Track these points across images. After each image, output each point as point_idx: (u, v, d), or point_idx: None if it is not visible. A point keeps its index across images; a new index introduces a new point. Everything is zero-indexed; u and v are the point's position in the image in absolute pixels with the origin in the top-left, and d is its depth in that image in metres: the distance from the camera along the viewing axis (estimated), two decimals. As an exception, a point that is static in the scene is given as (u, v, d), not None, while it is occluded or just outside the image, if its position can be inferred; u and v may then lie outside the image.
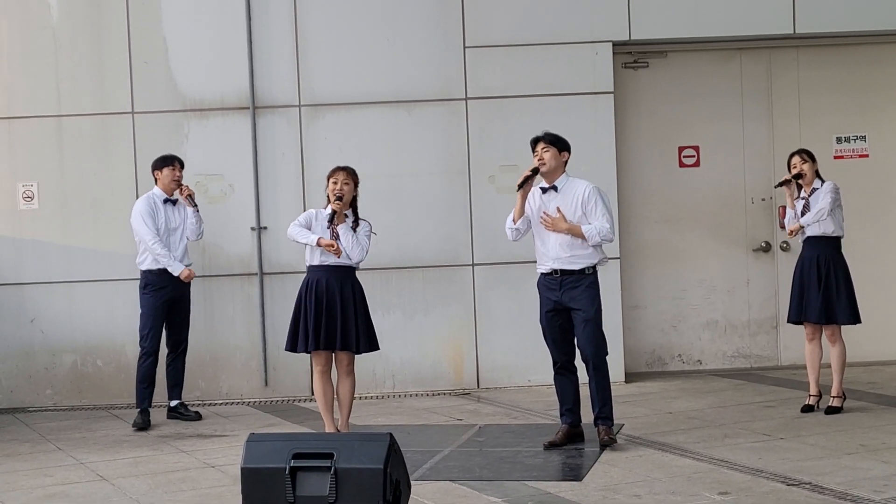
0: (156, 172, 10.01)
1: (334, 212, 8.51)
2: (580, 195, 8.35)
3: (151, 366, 9.94)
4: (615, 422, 8.51)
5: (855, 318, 9.34)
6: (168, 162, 9.97)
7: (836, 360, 9.31)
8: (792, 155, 9.50)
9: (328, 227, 8.53)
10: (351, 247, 8.51)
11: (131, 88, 10.94)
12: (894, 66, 11.63)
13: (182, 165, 10.06)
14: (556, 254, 8.34)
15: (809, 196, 9.33)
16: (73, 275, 10.95)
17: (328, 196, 8.62)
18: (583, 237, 8.26)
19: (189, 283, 10.01)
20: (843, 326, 9.34)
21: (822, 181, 9.37)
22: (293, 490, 5.91)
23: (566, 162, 8.47)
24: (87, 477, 8.13)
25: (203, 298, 10.77)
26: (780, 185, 9.43)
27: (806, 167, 9.36)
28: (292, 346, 8.66)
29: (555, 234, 8.33)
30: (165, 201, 9.96)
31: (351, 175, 8.64)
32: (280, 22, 10.94)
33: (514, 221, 8.43)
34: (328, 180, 8.64)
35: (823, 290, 9.24)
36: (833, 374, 9.32)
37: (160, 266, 9.83)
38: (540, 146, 8.40)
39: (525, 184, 8.33)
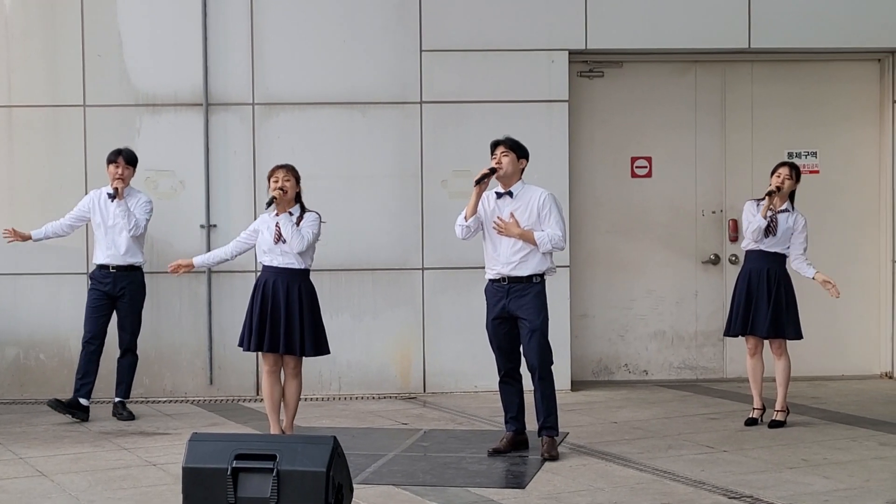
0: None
1: (273, 198, 8.51)
2: (535, 201, 8.34)
3: (84, 357, 9.89)
4: (560, 430, 8.51)
5: (800, 334, 9.41)
6: (111, 158, 9.90)
7: (781, 374, 9.35)
8: (782, 164, 9.41)
9: (267, 212, 8.59)
10: (291, 237, 8.49)
11: (84, 81, 10.85)
12: (846, 84, 11.73)
13: (129, 160, 9.90)
14: (506, 258, 8.32)
15: (777, 213, 9.31)
16: (19, 267, 10.83)
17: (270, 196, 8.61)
18: (534, 243, 8.26)
19: (134, 284, 9.94)
20: (787, 341, 9.40)
21: (793, 207, 9.36)
22: (234, 491, 5.88)
23: (523, 170, 8.48)
24: (26, 472, 8.04)
25: (150, 295, 10.64)
26: (769, 194, 9.25)
27: (788, 184, 9.30)
28: (241, 341, 8.71)
29: (506, 239, 8.33)
30: (111, 197, 9.90)
31: (291, 171, 8.64)
32: (236, 19, 10.89)
33: (466, 218, 8.40)
34: (269, 180, 8.64)
35: (773, 305, 9.27)
36: (777, 388, 9.37)
37: (99, 261, 9.88)
38: (499, 150, 8.40)
39: (482, 181, 8.32)
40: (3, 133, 10.86)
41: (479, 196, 8.36)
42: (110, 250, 9.86)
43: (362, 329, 11.00)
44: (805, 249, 9.35)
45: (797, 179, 9.38)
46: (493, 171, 8.35)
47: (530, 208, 8.33)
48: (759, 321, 9.31)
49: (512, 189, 8.40)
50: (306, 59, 10.94)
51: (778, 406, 9.36)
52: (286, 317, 8.51)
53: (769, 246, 9.32)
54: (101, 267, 9.91)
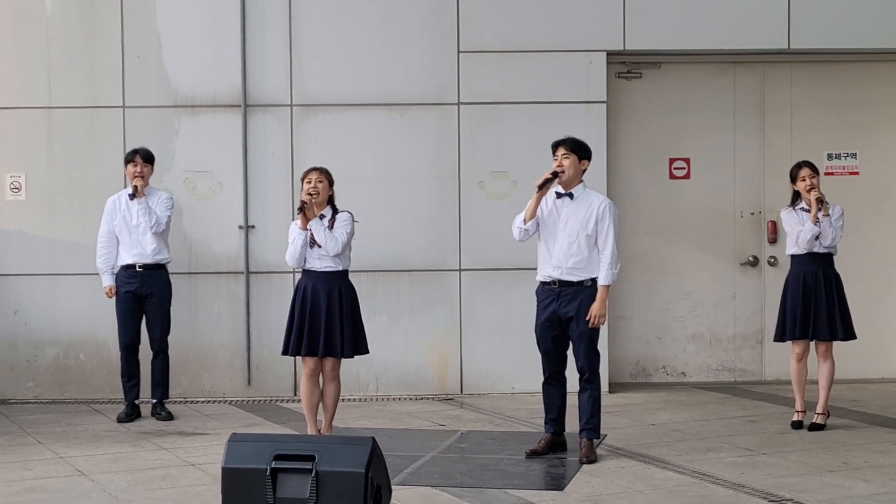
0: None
1: (304, 203, 8.49)
2: (595, 208, 8.25)
3: (125, 362, 10.01)
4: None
5: (854, 334, 9.38)
6: (129, 158, 9.95)
7: (826, 377, 9.28)
8: (800, 166, 9.35)
9: (298, 218, 8.54)
10: (325, 241, 8.48)
11: (123, 82, 10.90)
12: (886, 85, 11.64)
13: (146, 158, 9.92)
14: (558, 261, 8.26)
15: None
16: (58, 268, 10.90)
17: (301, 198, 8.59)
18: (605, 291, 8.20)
19: (160, 282, 9.96)
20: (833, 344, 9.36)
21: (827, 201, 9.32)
22: (273, 491, 5.88)
23: (585, 170, 8.41)
24: (66, 471, 8.09)
25: (188, 296, 10.73)
26: (820, 201, 9.14)
27: (816, 181, 9.25)
28: (284, 349, 8.71)
29: (560, 242, 8.26)
30: (131, 196, 9.93)
31: (324, 174, 8.62)
32: (274, 21, 10.91)
33: (525, 222, 8.32)
34: (302, 181, 8.63)
35: (838, 306, 9.22)
36: (820, 391, 9.30)
37: (125, 262, 9.91)
38: (560, 151, 8.31)
39: (545, 186, 8.24)
40: (43, 134, 10.93)
41: (538, 200, 8.28)
42: (136, 249, 9.87)
43: (399, 330, 11.00)
44: (836, 237, 9.25)
45: (817, 171, 9.36)
46: (555, 174, 8.25)
47: (588, 214, 8.25)
48: (820, 324, 9.22)
49: (573, 191, 8.32)
50: (344, 60, 10.95)
51: (819, 409, 9.30)
52: (327, 320, 8.51)
53: (819, 248, 9.24)
54: (127, 267, 9.92)
